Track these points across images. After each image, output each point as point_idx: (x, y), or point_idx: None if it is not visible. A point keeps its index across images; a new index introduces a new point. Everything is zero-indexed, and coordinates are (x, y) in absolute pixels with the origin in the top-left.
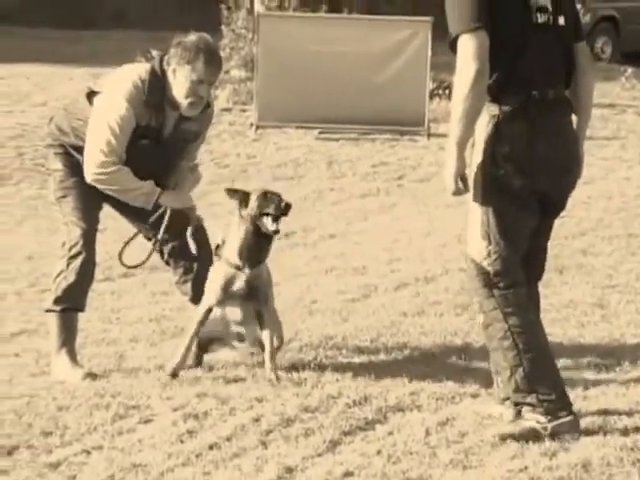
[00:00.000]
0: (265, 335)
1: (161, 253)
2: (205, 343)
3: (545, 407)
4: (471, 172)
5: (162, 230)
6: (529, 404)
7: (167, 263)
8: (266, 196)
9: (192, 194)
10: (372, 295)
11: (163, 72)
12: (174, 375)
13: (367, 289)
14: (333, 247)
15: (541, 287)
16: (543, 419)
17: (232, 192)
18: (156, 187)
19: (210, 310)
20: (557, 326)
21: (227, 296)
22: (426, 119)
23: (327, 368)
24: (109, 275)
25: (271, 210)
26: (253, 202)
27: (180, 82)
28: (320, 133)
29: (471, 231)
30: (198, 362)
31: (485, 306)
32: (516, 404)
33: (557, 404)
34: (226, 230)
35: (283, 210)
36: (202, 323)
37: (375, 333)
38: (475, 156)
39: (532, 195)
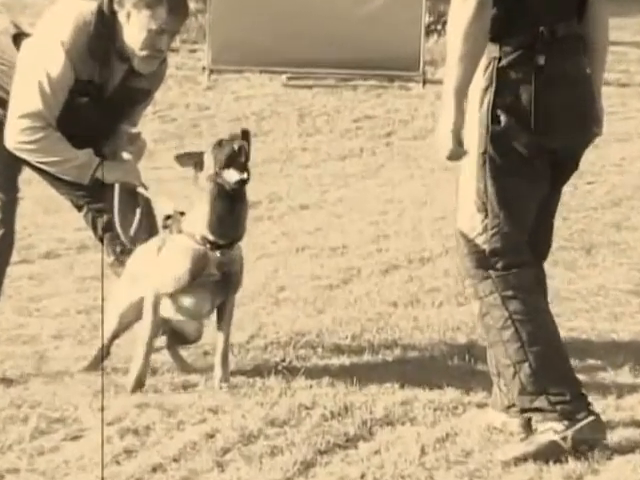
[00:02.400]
0: (221, 335)
1: (94, 227)
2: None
3: (559, 410)
4: (466, 130)
5: (116, 207)
6: (539, 409)
7: (101, 240)
8: (220, 145)
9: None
10: (354, 280)
11: (113, 14)
12: (139, 386)
13: (348, 273)
14: (305, 221)
15: (563, 269)
16: (559, 426)
17: (182, 158)
18: (95, 157)
19: (160, 299)
20: (584, 318)
21: (195, 284)
22: (421, 61)
23: (298, 371)
24: (27, 256)
25: (230, 158)
26: (208, 159)
27: (135, 30)
28: (289, 79)
29: (463, 201)
30: (107, 354)
31: (480, 290)
32: (523, 410)
33: (573, 404)
34: (178, 201)
35: (241, 148)
36: (156, 314)
37: (358, 328)
38: (470, 108)
39: (540, 156)
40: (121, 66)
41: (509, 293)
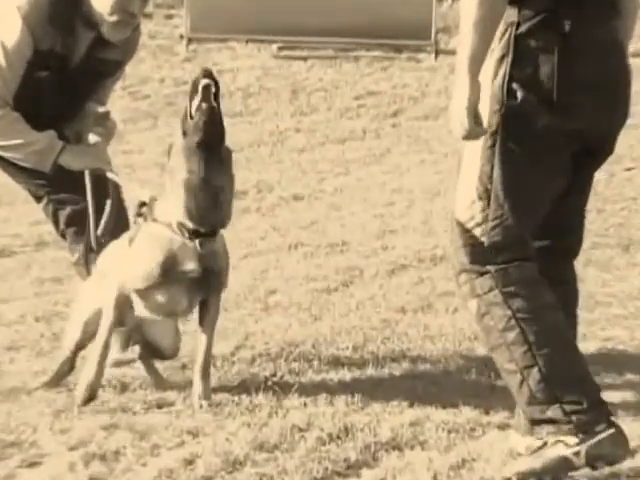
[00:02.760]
0: (202, 341)
1: (55, 221)
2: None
3: (575, 421)
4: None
5: (90, 198)
6: (551, 420)
7: (63, 236)
8: (195, 85)
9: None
10: (355, 283)
11: None
12: (91, 396)
13: (348, 274)
14: (300, 213)
15: (597, 270)
16: (572, 439)
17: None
18: (57, 140)
19: (124, 296)
20: (621, 326)
21: (170, 280)
22: (433, 29)
23: (291, 388)
24: None
25: (196, 100)
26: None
27: None
28: (280, 49)
29: (463, 186)
30: (70, 368)
31: (478, 287)
32: (533, 422)
33: (591, 414)
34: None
35: (206, 90)
36: (118, 315)
37: (360, 337)
38: (482, 81)
39: (562, 138)
40: (87, 34)
41: (511, 289)
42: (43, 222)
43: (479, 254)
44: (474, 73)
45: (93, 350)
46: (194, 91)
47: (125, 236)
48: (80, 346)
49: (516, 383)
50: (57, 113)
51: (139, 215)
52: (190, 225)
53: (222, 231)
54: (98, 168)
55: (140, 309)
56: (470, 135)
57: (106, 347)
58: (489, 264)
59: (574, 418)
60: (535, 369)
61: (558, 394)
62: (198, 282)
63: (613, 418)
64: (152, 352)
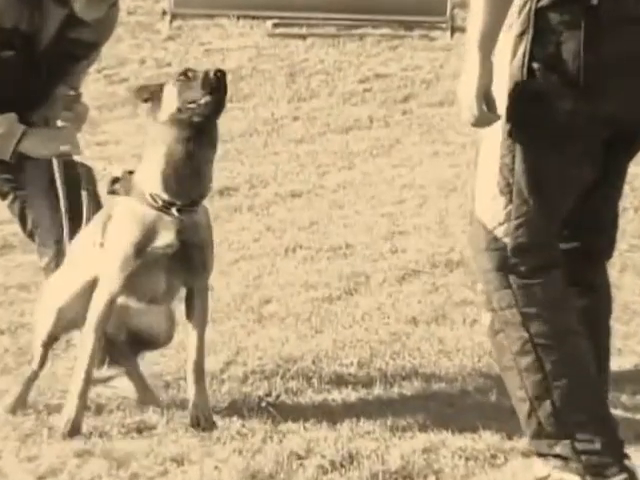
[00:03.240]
0: (193, 337)
1: (22, 220)
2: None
3: (584, 462)
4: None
5: (60, 189)
6: (559, 456)
7: (30, 236)
8: (187, 75)
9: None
10: (361, 290)
11: None
12: (74, 431)
13: (353, 281)
14: (298, 212)
15: (633, 276)
16: None
17: (139, 91)
18: (18, 125)
19: (114, 300)
20: None
21: (146, 259)
22: (448, 3)
23: (288, 409)
24: None
25: (198, 91)
26: (169, 92)
27: None
28: (275, 26)
29: (483, 181)
30: (41, 365)
31: (495, 301)
32: (539, 455)
33: (603, 456)
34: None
35: (216, 82)
36: (102, 327)
37: (366, 352)
38: (498, 61)
39: (590, 124)
40: (58, 11)
41: (532, 310)
42: (8, 222)
43: (502, 259)
44: (486, 52)
45: (73, 380)
46: (204, 81)
47: (97, 220)
48: (52, 338)
49: (525, 412)
50: (23, 98)
51: (112, 193)
52: (166, 197)
53: (205, 204)
54: (65, 153)
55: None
56: (480, 121)
57: (88, 376)
58: (512, 273)
59: (584, 458)
60: (547, 401)
61: (569, 430)
62: (178, 259)
63: (627, 462)
64: (142, 343)
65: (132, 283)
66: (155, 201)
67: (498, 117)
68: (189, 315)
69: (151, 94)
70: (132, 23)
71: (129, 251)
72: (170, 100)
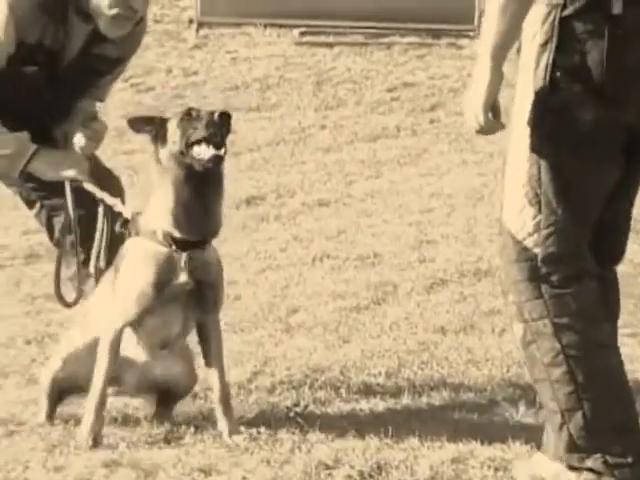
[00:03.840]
0: (214, 370)
1: (49, 229)
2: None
3: (617, 476)
4: (515, 97)
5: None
6: (591, 470)
7: (57, 245)
8: (190, 115)
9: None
10: (389, 300)
11: None
12: (95, 443)
13: (381, 290)
14: (325, 221)
15: None
16: None
17: (139, 122)
18: (29, 144)
19: (120, 334)
20: None
21: (162, 297)
22: (476, 11)
23: (316, 420)
24: None
25: (202, 131)
26: (173, 131)
27: None
28: (302, 34)
29: (510, 191)
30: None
31: (527, 312)
32: (571, 468)
33: (636, 471)
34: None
35: (220, 124)
36: (114, 353)
37: (394, 362)
38: (522, 70)
39: (613, 134)
40: (83, 27)
41: (564, 321)
42: (35, 231)
43: (533, 269)
44: (497, 62)
45: (90, 398)
46: (207, 124)
47: (111, 268)
48: (55, 388)
49: (556, 424)
50: (45, 112)
51: (125, 228)
52: (177, 234)
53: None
54: (73, 178)
55: (131, 347)
56: (484, 130)
57: (103, 396)
58: (544, 283)
59: (617, 473)
60: (579, 414)
61: (601, 444)
62: (192, 298)
63: None
64: (165, 397)
65: (148, 328)
66: (166, 239)
67: (503, 126)
68: (206, 355)
69: (152, 128)
70: (159, 31)
71: (146, 289)
72: (173, 139)
